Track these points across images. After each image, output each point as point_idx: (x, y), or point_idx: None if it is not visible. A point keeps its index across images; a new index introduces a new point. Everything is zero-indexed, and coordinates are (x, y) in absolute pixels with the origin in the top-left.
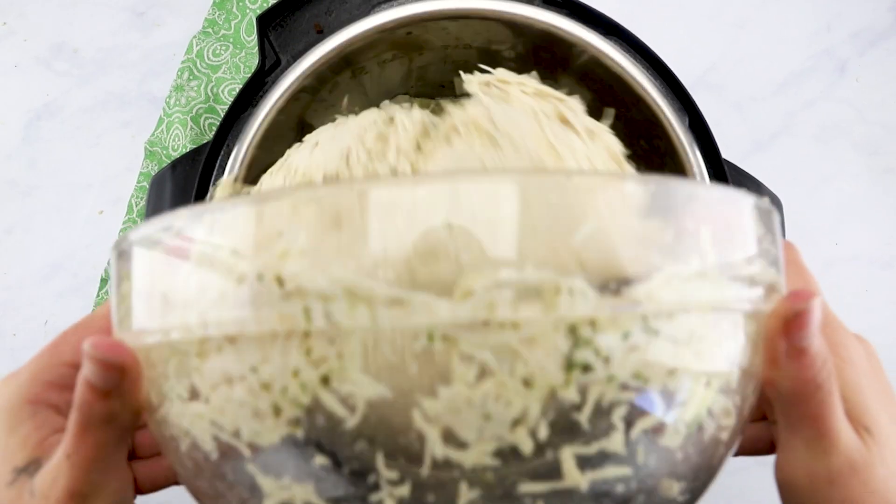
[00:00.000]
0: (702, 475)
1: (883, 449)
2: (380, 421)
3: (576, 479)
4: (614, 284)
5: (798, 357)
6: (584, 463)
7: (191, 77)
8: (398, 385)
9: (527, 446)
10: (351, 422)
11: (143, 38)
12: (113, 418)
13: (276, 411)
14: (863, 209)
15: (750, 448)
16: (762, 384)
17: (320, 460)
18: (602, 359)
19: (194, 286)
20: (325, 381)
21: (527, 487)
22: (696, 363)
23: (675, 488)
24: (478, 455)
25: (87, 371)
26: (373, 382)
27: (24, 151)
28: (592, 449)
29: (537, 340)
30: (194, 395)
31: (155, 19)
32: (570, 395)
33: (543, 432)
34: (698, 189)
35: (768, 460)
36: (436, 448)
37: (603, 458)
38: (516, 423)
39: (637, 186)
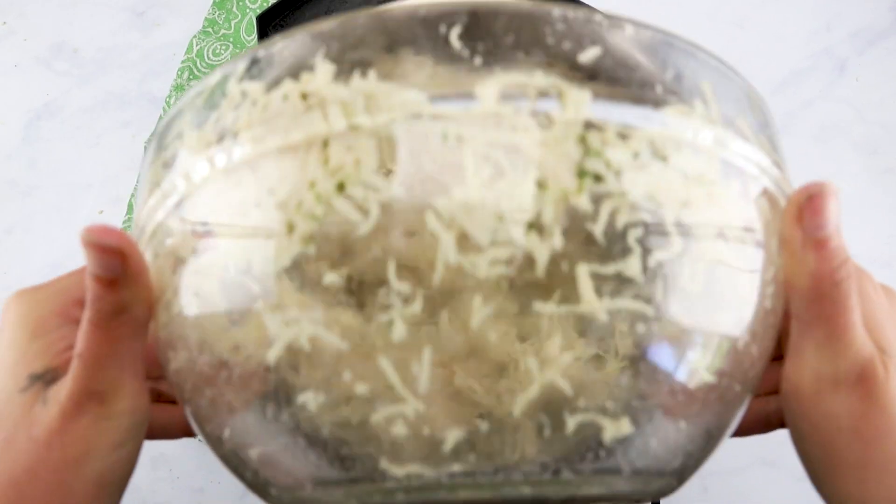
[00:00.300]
0: (727, 359)
1: None
2: (393, 226)
3: (592, 302)
4: (621, 103)
5: (815, 249)
6: (601, 285)
7: (191, 77)
8: (412, 186)
9: (541, 254)
10: (364, 227)
11: (143, 38)
12: (124, 309)
13: (290, 229)
14: (862, 209)
15: (762, 421)
16: (784, 286)
17: (330, 278)
18: (613, 172)
19: (223, 121)
20: (341, 187)
21: (542, 307)
22: (708, 203)
23: (697, 353)
24: (491, 262)
25: (89, 264)
26: (387, 183)
27: (24, 151)
28: (609, 269)
29: (548, 145)
30: (207, 240)
31: (155, 19)
32: (583, 203)
33: (558, 240)
34: (698, 49)
35: (769, 460)
36: (449, 253)
37: (620, 284)
38: (530, 226)
39: (637, 29)
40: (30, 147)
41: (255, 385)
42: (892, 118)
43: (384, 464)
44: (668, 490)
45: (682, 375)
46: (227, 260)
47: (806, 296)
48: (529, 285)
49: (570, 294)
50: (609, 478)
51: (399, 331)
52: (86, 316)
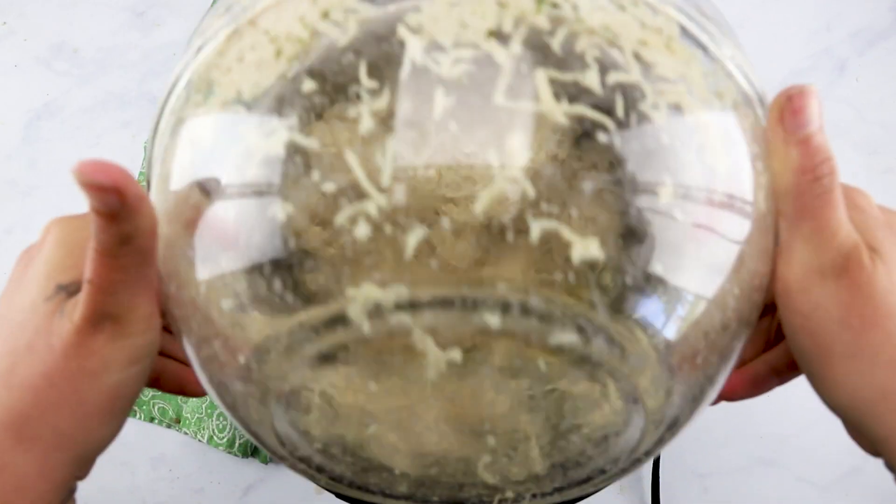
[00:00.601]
0: (701, 212)
1: (891, 267)
2: (366, 35)
3: (549, 103)
4: None
5: (797, 146)
6: (560, 91)
7: None
8: (387, 7)
9: (500, 56)
10: (343, 40)
11: (143, 38)
12: (128, 240)
13: (278, 53)
14: None
15: (762, 370)
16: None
17: (308, 85)
18: (570, 4)
19: None
20: (325, 14)
21: (502, 100)
22: (668, 53)
23: (665, 189)
24: (454, 60)
25: (88, 199)
26: (365, 5)
27: (24, 151)
28: (567, 77)
29: None
30: (208, 92)
31: (155, 19)
32: (541, 21)
33: (517, 46)
34: None
35: (769, 460)
36: (415, 52)
37: (578, 91)
38: (490, 33)
39: None
40: (30, 147)
41: (233, 213)
42: (892, 118)
43: (345, 283)
44: (653, 402)
45: (646, 199)
46: (220, 97)
47: (790, 192)
48: (490, 81)
49: (529, 94)
50: (583, 322)
51: (366, 123)
52: (90, 245)
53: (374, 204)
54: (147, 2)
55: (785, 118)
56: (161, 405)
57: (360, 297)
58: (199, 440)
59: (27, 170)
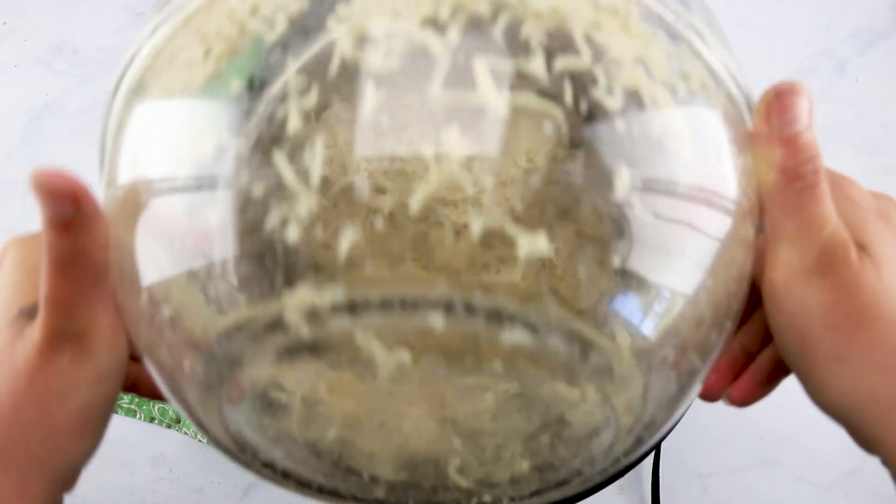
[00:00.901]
0: (658, 199)
1: (880, 265)
2: (295, 31)
3: (488, 94)
4: None
5: (783, 145)
6: (502, 81)
7: None
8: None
9: (436, 46)
10: (271, 36)
11: None
12: (81, 253)
13: (206, 53)
14: None
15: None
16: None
17: (235, 86)
18: None
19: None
20: (254, 10)
21: (436, 93)
22: (624, 34)
23: (626, 178)
24: (386, 52)
25: (41, 209)
26: (296, 1)
27: (24, 151)
28: (507, 66)
29: None
30: (141, 96)
31: None
32: (482, 7)
33: (454, 36)
34: None
35: (769, 460)
36: (345, 48)
37: (522, 80)
38: (425, 22)
39: None
40: (30, 147)
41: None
42: (892, 118)
43: (279, 287)
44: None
45: (599, 188)
46: (153, 100)
47: (774, 189)
48: (424, 74)
49: (467, 85)
50: (536, 320)
51: (294, 122)
52: (44, 260)
53: (305, 205)
54: (147, 2)
55: (771, 115)
56: (161, 405)
57: (295, 301)
58: (199, 440)
59: (27, 170)
